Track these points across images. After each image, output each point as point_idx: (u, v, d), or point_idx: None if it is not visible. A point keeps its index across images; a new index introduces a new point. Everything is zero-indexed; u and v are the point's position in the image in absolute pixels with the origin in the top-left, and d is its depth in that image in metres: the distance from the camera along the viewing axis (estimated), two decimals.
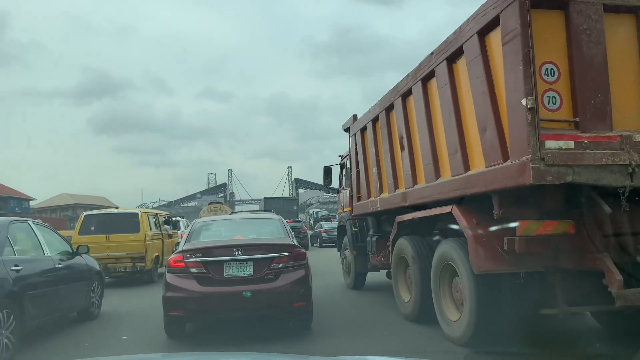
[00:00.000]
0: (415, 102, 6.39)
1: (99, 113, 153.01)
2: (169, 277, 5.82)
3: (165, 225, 14.23)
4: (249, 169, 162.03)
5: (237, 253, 5.78)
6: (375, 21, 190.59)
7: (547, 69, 4.22)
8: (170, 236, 14.35)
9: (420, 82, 6.15)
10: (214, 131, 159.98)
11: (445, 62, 5.46)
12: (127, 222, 12.34)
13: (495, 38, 4.57)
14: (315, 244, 27.90)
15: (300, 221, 30.02)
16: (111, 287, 11.18)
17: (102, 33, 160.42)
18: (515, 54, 4.17)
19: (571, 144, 4.11)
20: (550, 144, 4.08)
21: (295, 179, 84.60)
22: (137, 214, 12.57)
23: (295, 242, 6.42)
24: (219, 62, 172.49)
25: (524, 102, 4.05)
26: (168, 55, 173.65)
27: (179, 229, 17.33)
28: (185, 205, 78.79)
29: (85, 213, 13.08)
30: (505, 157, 4.43)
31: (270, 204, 46.53)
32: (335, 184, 11.82)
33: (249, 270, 5.77)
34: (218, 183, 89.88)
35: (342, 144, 11.65)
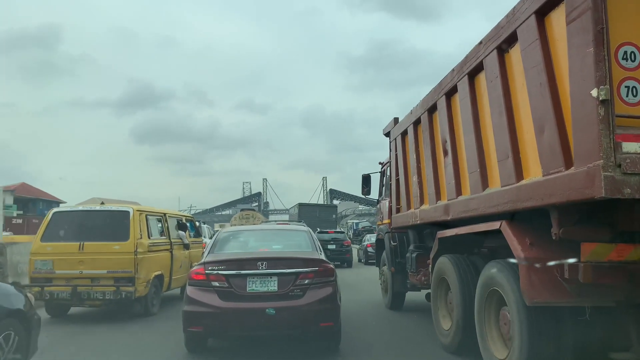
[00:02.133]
0: (460, 101, 5.57)
1: (141, 123, 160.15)
2: (190, 290, 5.51)
3: (180, 232, 10.31)
4: (284, 179, 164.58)
5: (261, 267, 5.41)
6: (413, 35, 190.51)
7: (625, 52, 3.34)
8: (186, 247, 10.34)
9: (466, 77, 5.32)
10: (250, 142, 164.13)
11: (495, 51, 4.63)
12: (112, 224, 8.44)
13: (557, 17, 3.72)
14: (361, 260, 23.66)
15: (343, 232, 25.14)
16: (81, 322, 8.16)
17: (147, 45, 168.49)
18: (584, 33, 3.32)
19: None
20: (629, 146, 3.19)
21: (331, 189, 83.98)
22: (127, 212, 8.44)
23: (324, 257, 5.92)
24: (257, 74, 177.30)
25: (594, 93, 3.19)
26: (208, 67, 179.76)
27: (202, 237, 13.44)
28: (220, 213, 79.31)
29: (55, 209, 9.15)
30: (569, 164, 3.56)
31: (305, 211, 40.53)
32: (374, 193, 11.04)
33: (273, 285, 5.39)
34: (253, 192, 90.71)
35: (377, 156, 10.87)
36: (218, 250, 6.16)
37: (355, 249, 25.91)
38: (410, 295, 9.22)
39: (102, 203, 9.29)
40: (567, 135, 3.60)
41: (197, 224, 13.00)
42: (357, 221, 49.70)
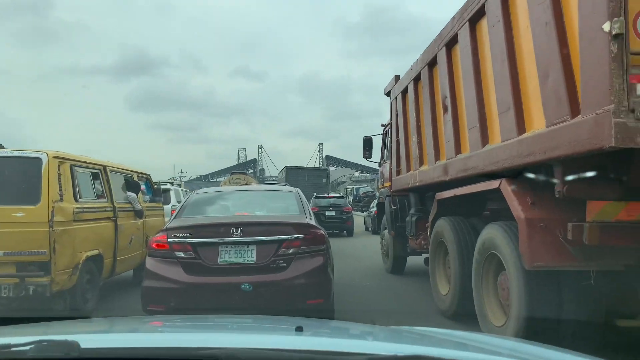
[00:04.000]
0: (461, 51, 5.13)
1: (136, 90, 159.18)
2: (149, 262, 4.78)
3: (130, 194, 7.36)
4: (280, 147, 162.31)
5: (235, 234, 4.63)
6: (409, 1, 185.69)
7: None
8: (138, 214, 7.43)
9: (467, 24, 4.87)
10: (247, 109, 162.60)
11: None
12: (14, 179, 5.46)
13: None
14: (368, 229, 20.43)
15: (343, 197, 22.18)
16: None
17: (141, 11, 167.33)
18: None
19: None
20: None
21: (327, 156, 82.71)
22: (38, 160, 5.39)
23: (313, 222, 5.17)
24: (252, 40, 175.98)
25: (606, 27, 2.78)
26: (203, 34, 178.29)
27: (169, 203, 10.92)
28: (214, 180, 78.29)
29: None
30: (575, 111, 3.16)
31: (292, 175, 36.61)
32: (376, 156, 10.65)
33: (250, 256, 4.64)
34: (248, 159, 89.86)
35: (374, 122, 10.14)
36: (187, 214, 5.30)
37: (359, 216, 24.08)
38: (415, 260, 8.95)
39: (1, 146, 5.79)
40: (574, 79, 3.20)
41: (156, 185, 9.58)
42: (357, 186, 45.36)
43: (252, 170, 78.80)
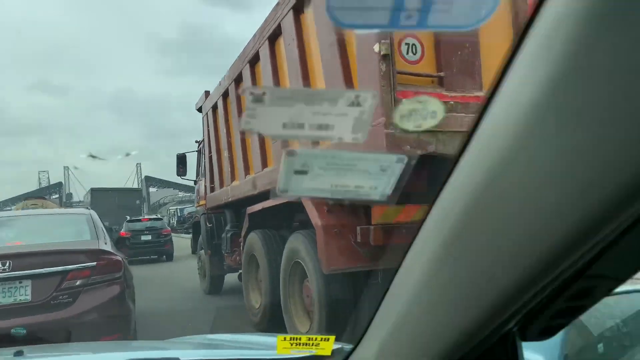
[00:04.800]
0: (263, 68, 5.30)
1: None
2: None
3: None
4: (91, 169, 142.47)
5: (3, 268, 3.86)
6: (225, 22, 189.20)
7: None
8: None
9: (267, 43, 5.05)
10: (49, 128, 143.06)
11: (292, 12, 4.41)
12: None
13: None
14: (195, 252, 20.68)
15: (161, 219, 20.94)
16: None
17: None
18: None
19: None
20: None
21: (146, 176, 77.57)
22: None
23: (109, 247, 4.47)
24: (53, 51, 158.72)
25: (376, 47, 3.11)
26: None
27: None
28: (8, 209, 68.75)
29: None
30: None
31: (99, 197, 32.84)
32: (192, 174, 10.43)
33: (23, 293, 3.90)
34: (52, 183, 79.67)
35: (194, 141, 9.77)
36: None
37: (184, 238, 22.26)
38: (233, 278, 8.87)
39: None
40: None
41: None
42: (182, 207, 42.92)
43: (57, 195, 69.90)
